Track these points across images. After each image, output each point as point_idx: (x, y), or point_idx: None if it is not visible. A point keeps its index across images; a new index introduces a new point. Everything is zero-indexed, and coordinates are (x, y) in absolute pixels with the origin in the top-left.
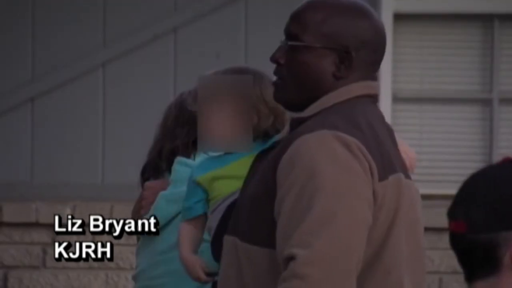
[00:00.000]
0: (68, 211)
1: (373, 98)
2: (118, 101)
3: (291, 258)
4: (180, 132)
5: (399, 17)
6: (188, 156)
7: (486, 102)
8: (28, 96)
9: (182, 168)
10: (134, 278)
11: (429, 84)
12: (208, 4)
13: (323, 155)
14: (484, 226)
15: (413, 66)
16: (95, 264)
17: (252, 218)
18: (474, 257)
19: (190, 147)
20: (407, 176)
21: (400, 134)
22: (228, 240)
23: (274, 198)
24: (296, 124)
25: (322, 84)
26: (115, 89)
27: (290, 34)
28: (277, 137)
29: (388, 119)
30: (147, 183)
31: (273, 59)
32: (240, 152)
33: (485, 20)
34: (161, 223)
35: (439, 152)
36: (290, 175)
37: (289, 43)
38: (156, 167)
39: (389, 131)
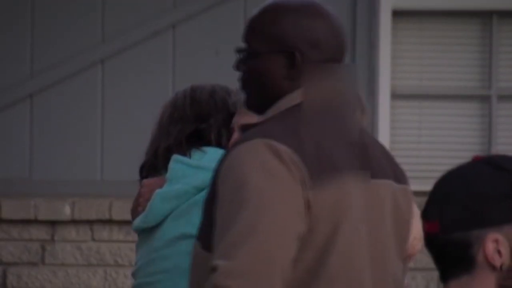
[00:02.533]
0: (67, 207)
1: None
2: (117, 98)
3: (213, 269)
4: (173, 130)
5: (398, 14)
6: (183, 154)
7: (484, 99)
8: (27, 93)
9: (178, 166)
10: (133, 274)
11: (428, 80)
12: (207, 1)
13: (252, 165)
14: (457, 225)
15: (412, 62)
16: (94, 260)
17: (203, 224)
18: (448, 256)
19: (183, 144)
20: (373, 176)
21: (399, 131)
22: (194, 244)
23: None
24: (244, 131)
25: (276, 88)
26: (114, 85)
27: (243, 41)
28: None
29: (387, 115)
30: (145, 181)
31: (234, 67)
32: None
33: (484, 16)
34: (156, 221)
35: (438, 148)
36: (223, 185)
37: (237, 49)
38: (154, 166)
39: (347, 134)
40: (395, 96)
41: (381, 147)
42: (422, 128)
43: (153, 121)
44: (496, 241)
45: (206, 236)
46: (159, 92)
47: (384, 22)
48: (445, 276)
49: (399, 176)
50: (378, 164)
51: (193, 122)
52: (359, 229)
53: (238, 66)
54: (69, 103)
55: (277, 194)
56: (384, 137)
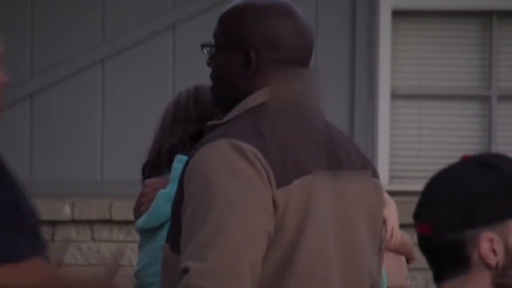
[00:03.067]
0: (67, 207)
1: None
2: (117, 98)
3: (185, 271)
4: (176, 129)
5: (398, 14)
6: (187, 154)
7: (484, 99)
8: (27, 93)
9: (181, 166)
10: (136, 274)
11: (428, 80)
12: (207, 1)
13: (218, 165)
14: (449, 226)
15: (412, 62)
16: (94, 260)
17: (172, 227)
18: (443, 257)
19: (187, 144)
20: (341, 169)
21: (398, 131)
22: (164, 247)
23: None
24: (209, 131)
25: (234, 86)
26: (114, 85)
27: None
28: None
29: (387, 115)
30: (147, 181)
31: (207, 63)
32: None
33: (484, 16)
34: (159, 221)
35: (437, 148)
36: (189, 186)
37: (201, 44)
38: (156, 166)
39: (309, 130)
40: (395, 96)
41: (350, 142)
42: (422, 128)
43: (153, 121)
44: (491, 240)
45: (175, 239)
46: (159, 92)
47: (384, 22)
48: (439, 277)
49: (367, 168)
50: (347, 159)
51: (196, 122)
52: (326, 226)
53: (208, 62)
54: (69, 103)
55: (244, 193)
56: (384, 137)
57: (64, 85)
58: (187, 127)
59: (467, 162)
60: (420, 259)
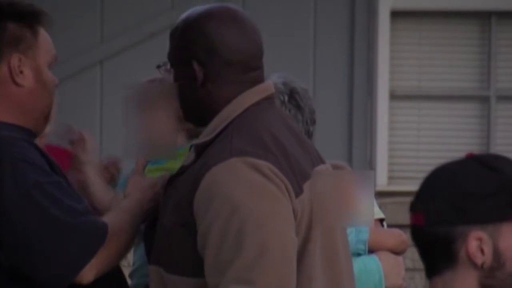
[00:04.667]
0: None
1: (268, 101)
2: (115, 98)
3: None
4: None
5: (396, 15)
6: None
7: (483, 100)
8: None
9: None
10: (131, 275)
11: (427, 81)
12: (206, 2)
13: (239, 186)
14: (442, 219)
15: (411, 63)
16: None
17: (175, 251)
18: (432, 250)
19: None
20: (318, 165)
21: (397, 132)
22: (152, 270)
23: (194, 232)
24: (201, 149)
25: (196, 99)
26: (113, 86)
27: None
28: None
29: (385, 116)
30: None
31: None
32: (170, 158)
33: (482, 17)
34: None
35: (436, 149)
36: (210, 210)
37: (157, 66)
38: None
39: (292, 131)
40: (394, 97)
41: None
42: (420, 129)
43: None
44: (480, 239)
45: (172, 260)
46: None
47: (383, 23)
48: (430, 272)
49: (322, 159)
50: (314, 153)
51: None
52: (332, 223)
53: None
54: (67, 103)
55: (273, 211)
56: (382, 138)
57: (63, 85)
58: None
59: (470, 159)
60: (418, 259)
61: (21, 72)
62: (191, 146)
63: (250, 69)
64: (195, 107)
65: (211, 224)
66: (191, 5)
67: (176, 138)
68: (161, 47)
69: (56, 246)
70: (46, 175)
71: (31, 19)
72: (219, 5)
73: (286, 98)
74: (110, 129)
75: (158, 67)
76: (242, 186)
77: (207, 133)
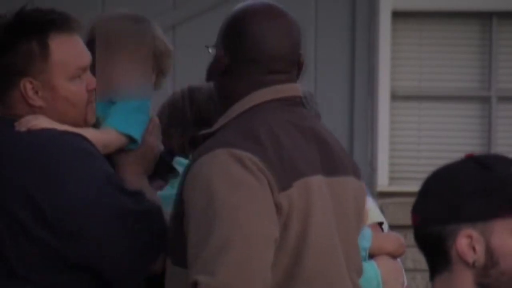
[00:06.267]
0: None
1: (283, 101)
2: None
3: (194, 285)
4: (174, 132)
5: (398, 15)
6: (186, 157)
7: (484, 100)
8: None
9: (181, 168)
10: None
11: (428, 82)
12: (207, 2)
13: (218, 176)
14: (435, 219)
15: (412, 64)
16: None
17: (175, 243)
18: (430, 251)
19: (186, 148)
20: (336, 173)
21: (398, 132)
22: (167, 262)
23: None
24: (203, 139)
25: (219, 87)
26: None
27: None
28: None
29: (386, 117)
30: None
31: None
32: (143, 99)
33: (484, 18)
34: None
35: (437, 149)
36: (191, 198)
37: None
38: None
39: (305, 133)
40: (395, 97)
41: (339, 144)
42: (421, 129)
43: None
44: (470, 236)
45: (176, 252)
46: (158, 92)
47: (384, 23)
48: (431, 272)
49: (356, 172)
50: (341, 162)
51: (194, 125)
52: (330, 227)
53: None
54: None
55: (247, 204)
56: (383, 138)
57: None
58: (185, 130)
59: (467, 159)
60: (419, 259)
61: (36, 92)
62: (198, 137)
63: (273, 72)
64: (219, 95)
65: (191, 212)
66: (193, 5)
67: (151, 77)
68: None
69: (133, 237)
70: (108, 165)
71: (44, 35)
72: (265, 2)
73: None
74: None
75: (206, 46)
76: (221, 177)
77: (215, 125)
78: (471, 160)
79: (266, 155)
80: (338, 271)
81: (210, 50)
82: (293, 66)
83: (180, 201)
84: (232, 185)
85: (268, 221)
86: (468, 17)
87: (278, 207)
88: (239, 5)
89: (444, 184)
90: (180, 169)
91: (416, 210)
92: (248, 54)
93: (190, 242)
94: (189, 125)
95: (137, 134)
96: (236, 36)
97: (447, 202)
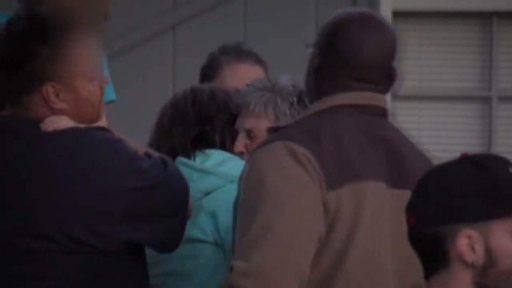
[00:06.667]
0: None
1: (361, 108)
2: (116, 99)
3: (231, 269)
4: (176, 132)
5: (398, 15)
6: (188, 157)
7: (485, 100)
8: None
9: (182, 168)
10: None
11: (428, 81)
12: (207, 2)
13: (270, 167)
14: (432, 219)
15: (412, 63)
16: None
17: (234, 230)
18: (425, 251)
19: (188, 148)
20: (402, 187)
21: None
22: None
23: None
24: (272, 133)
25: (307, 85)
26: (114, 86)
27: None
28: None
29: None
30: None
31: None
32: None
33: (484, 18)
34: None
35: (437, 149)
36: (243, 188)
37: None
38: None
39: (374, 140)
40: (395, 97)
41: (421, 161)
42: (421, 129)
43: (152, 122)
44: (469, 237)
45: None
46: (159, 93)
47: None
48: (426, 273)
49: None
50: (412, 176)
51: (196, 125)
52: (381, 236)
53: None
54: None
55: (293, 195)
56: None
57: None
58: (187, 129)
59: (462, 160)
60: None
61: (57, 95)
62: (268, 130)
63: (361, 79)
64: (307, 91)
65: (242, 201)
66: (193, 5)
67: None
68: (163, 47)
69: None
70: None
71: (65, 38)
72: (366, 12)
73: (295, 100)
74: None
75: (306, 45)
76: (272, 167)
77: (289, 121)
78: (466, 160)
79: (321, 152)
80: (379, 282)
81: (309, 49)
82: (383, 77)
83: (239, 191)
84: (282, 176)
85: (313, 216)
86: (468, 17)
87: (325, 206)
88: (340, 10)
89: (441, 184)
90: (182, 169)
91: (412, 210)
92: (339, 58)
93: (237, 227)
94: (191, 124)
95: None
96: (331, 39)
97: (445, 202)
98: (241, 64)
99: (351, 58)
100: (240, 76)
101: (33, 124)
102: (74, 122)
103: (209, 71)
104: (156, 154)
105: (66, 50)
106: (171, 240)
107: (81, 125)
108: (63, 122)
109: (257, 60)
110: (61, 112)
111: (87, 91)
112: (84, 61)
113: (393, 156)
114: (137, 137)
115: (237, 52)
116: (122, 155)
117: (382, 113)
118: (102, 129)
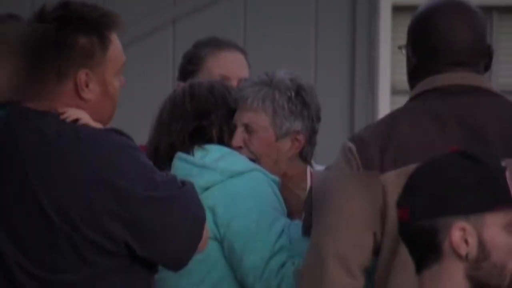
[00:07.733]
0: None
1: (443, 91)
2: None
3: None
4: (174, 127)
5: (398, 9)
6: (187, 152)
7: None
8: None
9: (182, 164)
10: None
11: None
12: None
13: (333, 168)
14: (425, 212)
15: None
16: None
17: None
18: (418, 244)
19: (186, 143)
20: None
21: None
22: None
23: None
24: None
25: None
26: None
27: None
28: None
29: (387, 111)
30: None
31: None
32: None
33: (484, 12)
34: None
35: None
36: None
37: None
38: (154, 163)
39: (451, 122)
40: (395, 92)
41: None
42: None
43: (153, 117)
44: (463, 229)
45: None
46: (159, 88)
47: (384, 18)
48: (418, 267)
49: None
50: (495, 150)
51: (194, 119)
52: None
53: None
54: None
55: (342, 198)
56: None
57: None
58: (185, 124)
59: (453, 154)
60: None
61: (87, 86)
62: None
63: (452, 63)
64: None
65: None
66: (193, 0)
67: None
68: (163, 42)
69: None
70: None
71: (102, 29)
72: None
73: (293, 94)
74: (111, 125)
75: (399, 48)
76: (334, 168)
77: None
78: (457, 154)
79: (364, 140)
80: None
81: (403, 51)
82: (479, 57)
83: None
84: (333, 174)
85: (353, 200)
86: None
87: (382, 185)
88: (425, 2)
89: (434, 177)
90: (182, 164)
91: (404, 204)
92: (432, 47)
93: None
94: (189, 119)
95: None
96: (420, 31)
97: (438, 196)
98: (223, 51)
99: (442, 44)
100: (225, 62)
101: (57, 122)
102: (91, 119)
103: (191, 66)
104: (178, 177)
105: (106, 42)
106: (174, 258)
107: (99, 124)
108: (82, 116)
109: (237, 47)
110: (85, 103)
111: (112, 86)
112: (116, 55)
113: (471, 135)
114: (137, 133)
115: (216, 42)
116: (138, 162)
117: (469, 90)
118: (121, 133)
